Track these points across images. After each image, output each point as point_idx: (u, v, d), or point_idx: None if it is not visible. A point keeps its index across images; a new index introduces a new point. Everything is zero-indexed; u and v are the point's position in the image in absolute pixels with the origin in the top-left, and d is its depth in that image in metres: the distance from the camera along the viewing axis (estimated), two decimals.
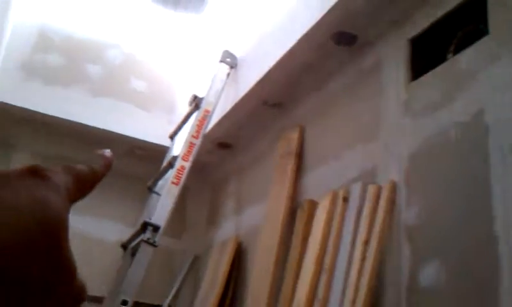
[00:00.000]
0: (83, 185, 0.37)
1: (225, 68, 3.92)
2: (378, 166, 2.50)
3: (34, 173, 0.34)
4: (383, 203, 2.28)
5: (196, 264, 4.49)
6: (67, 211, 0.34)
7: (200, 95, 3.89)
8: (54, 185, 0.34)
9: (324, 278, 2.40)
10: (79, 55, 4.22)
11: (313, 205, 2.78)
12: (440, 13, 2.31)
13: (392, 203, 2.27)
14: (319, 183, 2.96)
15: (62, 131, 4.20)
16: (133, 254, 3.53)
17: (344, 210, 2.51)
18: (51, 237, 0.32)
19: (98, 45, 4.31)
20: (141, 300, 3.54)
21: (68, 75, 4.13)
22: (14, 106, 3.90)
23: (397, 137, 2.42)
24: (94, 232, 4.24)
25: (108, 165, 0.41)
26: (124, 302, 3.06)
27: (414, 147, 2.29)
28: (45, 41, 4.12)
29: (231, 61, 3.92)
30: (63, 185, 0.35)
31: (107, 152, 0.42)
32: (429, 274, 2.01)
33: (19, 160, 4.13)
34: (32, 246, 0.31)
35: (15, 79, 3.92)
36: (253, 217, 3.73)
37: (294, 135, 3.27)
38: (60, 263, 0.33)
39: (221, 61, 3.91)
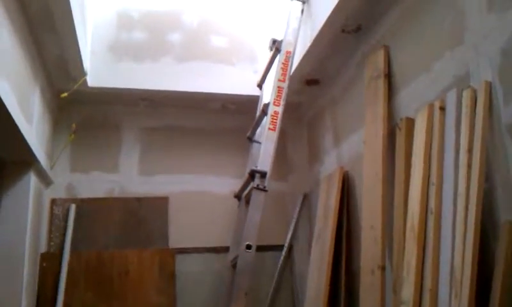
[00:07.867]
0: None
1: (298, 5, 3.92)
2: (470, 69, 2.44)
3: None
4: (480, 105, 2.24)
5: (307, 202, 4.65)
6: None
7: (278, 38, 3.94)
8: None
9: (433, 190, 2.43)
10: (158, 27, 4.37)
11: (411, 122, 2.78)
12: None
13: (489, 104, 2.23)
14: (413, 100, 2.92)
15: (159, 102, 4.46)
16: (247, 202, 3.76)
17: (443, 120, 2.49)
18: None
19: (174, 12, 4.45)
20: (263, 243, 3.75)
21: (153, 48, 4.30)
22: (110, 88, 4.14)
23: (484, 36, 2.34)
24: (209, 188, 4.52)
25: None
26: (248, 247, 3.29)
27: (503, 42, 2.21)
28: (125, 21, 4.28)
29: None
30: None
31: None
32: None
33: (128, 138, 4.46)
34: None
35: (106, 62, 4.12)
36: (353, 145, 3.77)
37: (380, 57, 3.23)
38: None
39: None
